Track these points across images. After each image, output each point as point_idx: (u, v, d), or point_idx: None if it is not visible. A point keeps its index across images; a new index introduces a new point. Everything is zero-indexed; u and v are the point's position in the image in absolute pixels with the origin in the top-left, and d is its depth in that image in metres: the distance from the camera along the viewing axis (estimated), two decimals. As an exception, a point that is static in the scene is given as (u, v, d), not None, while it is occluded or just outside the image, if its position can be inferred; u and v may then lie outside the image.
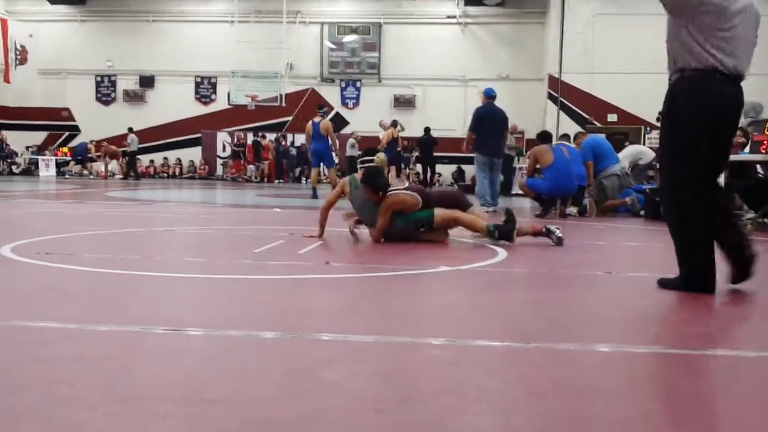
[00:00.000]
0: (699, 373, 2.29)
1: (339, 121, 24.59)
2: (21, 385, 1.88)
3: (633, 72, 20.84)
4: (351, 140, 21.95)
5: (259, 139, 24.39)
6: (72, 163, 24.94)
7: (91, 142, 24.94)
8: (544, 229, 5.69)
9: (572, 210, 9.62)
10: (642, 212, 9.60)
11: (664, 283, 3.67)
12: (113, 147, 24.21)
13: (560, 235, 5.63)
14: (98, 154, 24.42)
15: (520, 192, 11.20)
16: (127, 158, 23.10)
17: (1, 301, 3.09)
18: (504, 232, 5.59)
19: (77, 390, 1.84)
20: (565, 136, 10.68)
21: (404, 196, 5.56)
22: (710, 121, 3.41)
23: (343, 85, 25.19)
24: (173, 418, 1.65)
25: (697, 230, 3.48)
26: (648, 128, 21.19)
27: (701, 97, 3.41)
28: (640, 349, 2.50)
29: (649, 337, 2.77)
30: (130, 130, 22.80)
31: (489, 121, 10.45)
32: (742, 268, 3.59)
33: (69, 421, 1.62)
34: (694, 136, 3.41)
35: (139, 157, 23.71)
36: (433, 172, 20.75)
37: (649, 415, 1.80)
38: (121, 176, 23.45)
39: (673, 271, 3.62)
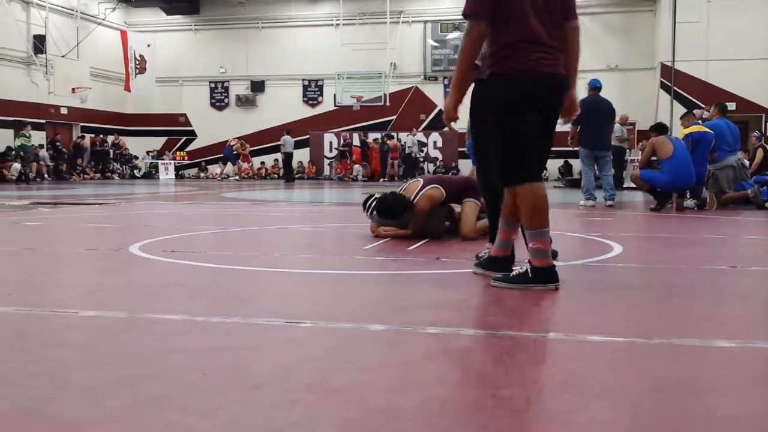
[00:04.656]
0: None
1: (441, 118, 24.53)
2: (158, 373, 2.00)
3: (751, 58, 19.81)
4: (410, 137, 21.83)
5: (350, 141, 24.80)
6: (220, 163, 26.11)
7: (234, 139, 25.56)
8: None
9: (690, 203, 9.22)
10: (767, 204, 9.08)
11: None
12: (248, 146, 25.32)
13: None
14: (242, 152, 25.27)
15: (633, 185, 10.81)
16: (283, 159, 22.78)
17: (133, 296, 3.29)
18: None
19: (210, 378, 1.94)
20: (690, 114, 10.34)
21: (430, 192, 5.36)
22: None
23: (446, 82, 25.12)
24: (301, 405, 1.71)
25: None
26: (771, 116, 20.07)
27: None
28: (767, 344, 2.38)
29: (781, 333, 2.63)
30: (288, 132, 22.23)
31: (594, 114, 10.09)
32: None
33: (204, 407, 1.71)
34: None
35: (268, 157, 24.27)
36: None
37: (787, 414, 1.71)
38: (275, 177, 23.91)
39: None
